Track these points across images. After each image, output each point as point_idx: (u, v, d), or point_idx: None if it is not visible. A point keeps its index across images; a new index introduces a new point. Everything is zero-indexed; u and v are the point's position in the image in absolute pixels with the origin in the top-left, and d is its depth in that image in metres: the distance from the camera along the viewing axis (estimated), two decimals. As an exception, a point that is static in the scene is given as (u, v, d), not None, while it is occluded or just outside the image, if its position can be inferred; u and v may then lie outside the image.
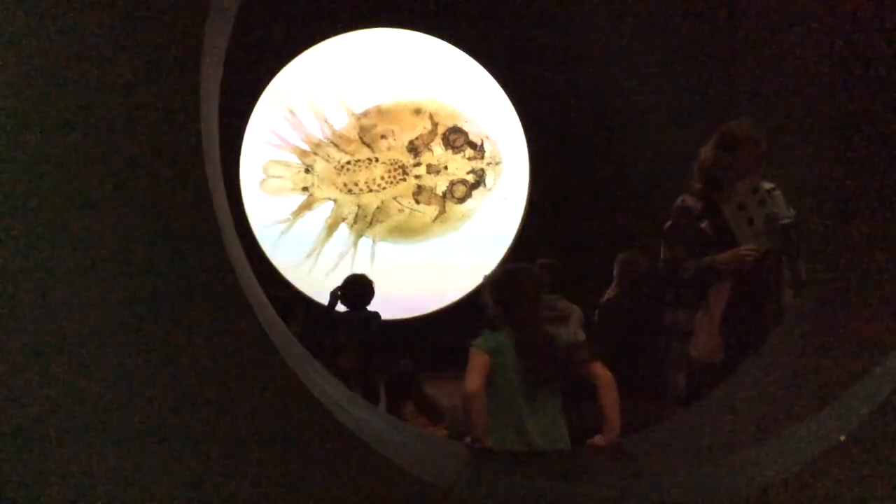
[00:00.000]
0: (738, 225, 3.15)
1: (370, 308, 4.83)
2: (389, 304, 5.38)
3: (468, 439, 2.52)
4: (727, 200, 3.18)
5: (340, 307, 4.81)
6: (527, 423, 2.51)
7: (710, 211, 3.21)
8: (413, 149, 7.11)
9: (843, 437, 1.83)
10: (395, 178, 7.10)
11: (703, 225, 3.20)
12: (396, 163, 7.10)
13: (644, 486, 2.20)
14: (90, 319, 1.80)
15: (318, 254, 6.99)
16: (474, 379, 2.49)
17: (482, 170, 7.20)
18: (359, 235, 7.08)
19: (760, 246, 3.09)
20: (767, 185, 3.25)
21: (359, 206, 7.08)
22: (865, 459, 1.82)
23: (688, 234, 3.24)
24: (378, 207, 7.10)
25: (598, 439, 2.52)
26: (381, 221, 7.11)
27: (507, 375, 2.52)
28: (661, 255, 3.39)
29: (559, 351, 2.58)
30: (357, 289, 4.78)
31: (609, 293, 4.62)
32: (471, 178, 7.19)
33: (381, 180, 7.09)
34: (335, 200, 7.06)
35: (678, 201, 3.35)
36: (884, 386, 1.90)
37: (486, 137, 7.17)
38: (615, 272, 4.65)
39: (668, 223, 3.37)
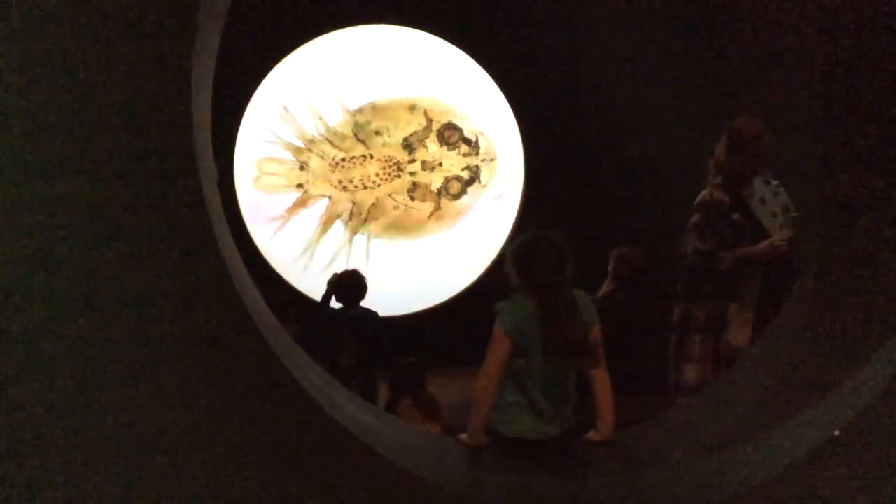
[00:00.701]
0: (765, 218, 3.37)
1: (366, 305, 4.82)
2: (384, 300, 5.37)
3: (463, 436, 2.51)
4: (751, 196, 3.40)
5: (335, 303, 4.80)
6: (537, 398, 2.43)
7: (738, 204, 3.40)
8: (408, 145, 7.09)
9: (837, 432, 1.83)
10: (389, 174, 7.09)
11: (736, 217, 3.37)
12: (391, 159, 7.09)
13: (640, 481, 2.20)
14: (82, 317, 1.79)
15: (313, 251, 6.98)
16: (490, 373, 2.41)
17: (477, 166, 7.19)
18: (354, 232, 7.07)
19: (785, 235, 3.32)
20: (774, 182, 3.46)
21: (353, 203, 7.07)
22: (859, 453, 1.83)
23: (719, 227, 3.38)
24: (373, 204, 7.09)
25: (592, 434, 2.52)
26: (376, 218, 7.10)
27: (528, 348, 2.42)
28: (690, 248, 3.50)
29: (582, 321, 2.45)
30: (350, 284, 4.78)
31: (604, 288, 4.63)
32: (466, 175, 7.18)
33: (375, 177, 7.08)
34: (330, 197, 7.05)
35: (705, 195, 3.50)
36: (877, 380, 1.90)
37: (481, 134, 7.16)
38: (610, 268, 4.66)
39: (698, 216, 3.48)
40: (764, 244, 3.33)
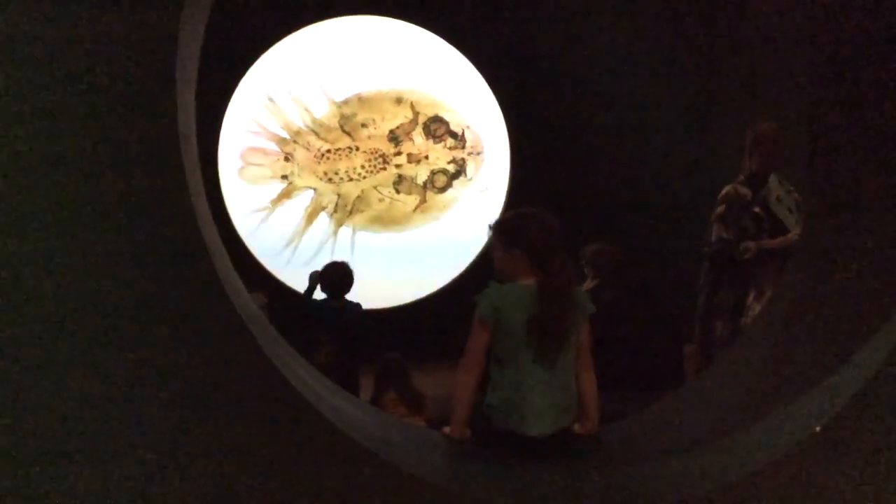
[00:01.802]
0: (782, 214, 3.64)
1: (351, 298, 4.81)
2: (369, 293, 5.36)
3: (446, 428, 2.50)
4: (769, 193, 3.69)
5: (320, 294, 4.79)
6: (528, 392, 2.32)
7: (759, 199, 3.75)
8: (394, 138, 7.07)
9: (818, 428, 1.85)
10: (375, 167, 7.07)
11: (756, 210, 3.70)
12: (377, 152, 7.06)
13: (623, 475, 2.21)
14: (72, 318, 1.78)
15: (298, 243, 6.95)
16: (469, 362, 2.35)
17: (463, 160, 7.18)
18: (339, 225, 7.05)
19: (801, 230, 3.46)
20: (788, 183, 3.72)
21: (339, 195, 7.05)
22: (840, 449, 1.84)
23: (741, 219, 3.72)
24: (358, 196, 7.07)
25: (576, 427, 2.51)
26: (362, 211, 7.08)
27: (514, 335, 2.32)
28: (713, 238, 3.84)
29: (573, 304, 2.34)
30: (336, 276, 4.76)
31: (589, 285, 4.61)
32: (451, 168, 7.18)
33: (361, 169, 7.05)
34: (315, 189, 7.02)
35: (729, 189, 3.83)
36: (858, 377, 1.92)
37: (467, 127, 7.15)
38: (589, 265, 4.65)
39: (722, 207, 3.82)
40: (783, 238, 3.63)
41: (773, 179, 3.73)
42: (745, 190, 3.78)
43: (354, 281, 4.79)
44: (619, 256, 4.58)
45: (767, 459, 1.90)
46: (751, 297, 3.68)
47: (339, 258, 5.44)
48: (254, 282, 4.77)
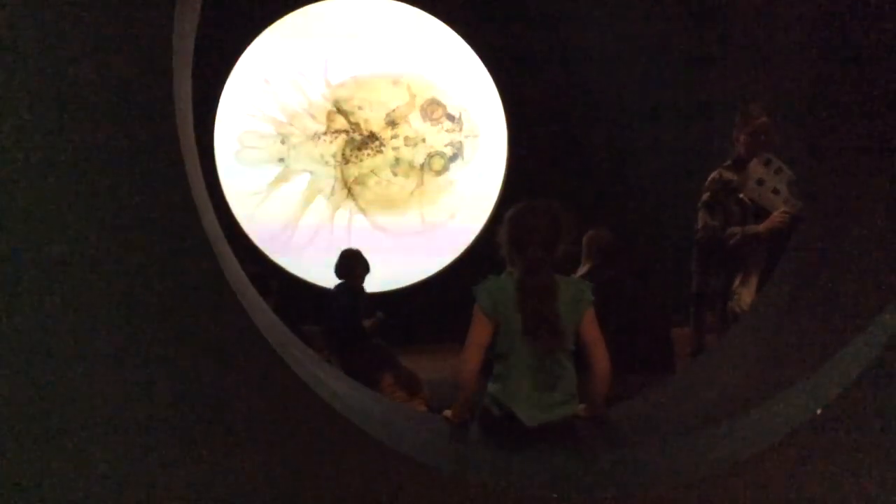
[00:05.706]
0: (764, 197, 3.56)
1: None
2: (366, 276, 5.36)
3: (447, 412, 2.51)
4: (747, 179, 3.60)
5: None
6: (527, 384, 2.31)
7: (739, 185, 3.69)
8: (391, 121, 7.04)
9: (819, 411, 1.85)
10: (372, 150, 7.04)
11: (742, 195, 3.63)
12: (374, 135, 7.03)
13: (623, 458, 2.21)
14: (68, 309, 1.77)
15: (295, 226, 6.93)
16: (469, 356, 2.32)
17: (460, 142, 7.15)
18: (336, 208, 7.03)
19: (792, 208, 3.46)
20: (775, 161, 3.61)
21: (336, 178, 7.02)
22: (841, 433, 1.85)
23: (727, 204, 3.66)
24: (355, 179, 7.05)
25: (580, 409, 2.49)
26: (359, 194, 7.06)
27: (509, 327, 2.32)
28: (699, 224, 3.77)
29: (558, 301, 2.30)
30: (346, 262, 4.83)
31: (582, 270, 4.61)
32: (448, 151, 7.15)
33: (358, 152, 7.03)
34: (312, 172, 6.99)
35: (715, 174, 3.75)
36: (860, 360, 1.92)
37: (465, 110, 7.12)
38: (584, 249, 4.65)
39: (707, 194, 3.74)
40: (766, 222, 3.54)
41: (754, 163, 3.60)
42: (730, 175, 3.69)
43: (367, 266, 4.87)
44: (613, 240, 4.57)
45: (767, 442, 1.91)
46: (737, 282, 3.64)
47: (334, 242, 5.48)
48: (250, 265, 4.79)
